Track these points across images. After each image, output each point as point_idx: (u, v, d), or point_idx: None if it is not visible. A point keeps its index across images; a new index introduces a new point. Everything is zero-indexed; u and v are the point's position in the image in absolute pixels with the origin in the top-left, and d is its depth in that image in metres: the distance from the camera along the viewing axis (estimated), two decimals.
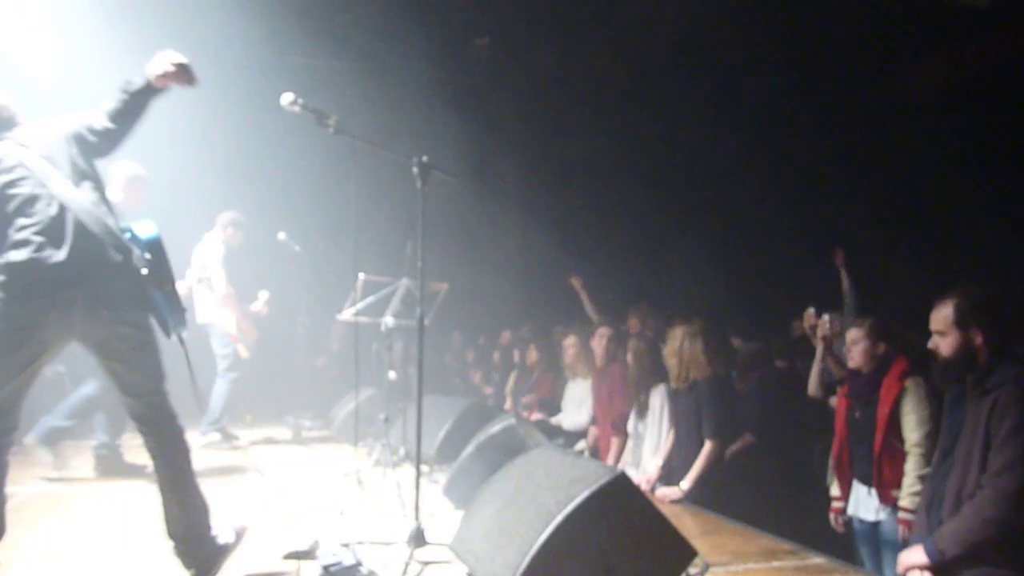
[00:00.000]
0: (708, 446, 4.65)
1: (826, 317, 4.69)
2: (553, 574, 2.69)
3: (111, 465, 5.36)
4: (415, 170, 3.58)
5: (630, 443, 5.33)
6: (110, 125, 3.08)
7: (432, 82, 8.40)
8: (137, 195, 5.35)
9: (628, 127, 8.19)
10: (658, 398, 5.07)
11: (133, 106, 3.11)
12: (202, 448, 6.48)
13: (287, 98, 3.53)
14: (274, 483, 5.23)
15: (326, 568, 3.14)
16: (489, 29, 8.20)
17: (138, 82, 3.10)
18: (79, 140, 3.04)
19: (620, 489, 2.87)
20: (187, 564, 3.01)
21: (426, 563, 3.36)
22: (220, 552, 3.06)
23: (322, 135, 3.64)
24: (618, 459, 5.45)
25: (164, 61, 3.08)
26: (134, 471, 5.30)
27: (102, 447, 5.37)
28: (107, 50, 6.40)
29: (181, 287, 6.43)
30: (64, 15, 6.28)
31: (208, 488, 4.92)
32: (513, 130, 8.85)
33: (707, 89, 7.46)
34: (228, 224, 6.75)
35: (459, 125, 8.24)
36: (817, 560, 3.53)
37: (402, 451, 5.62)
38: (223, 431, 6.70)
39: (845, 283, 5.82)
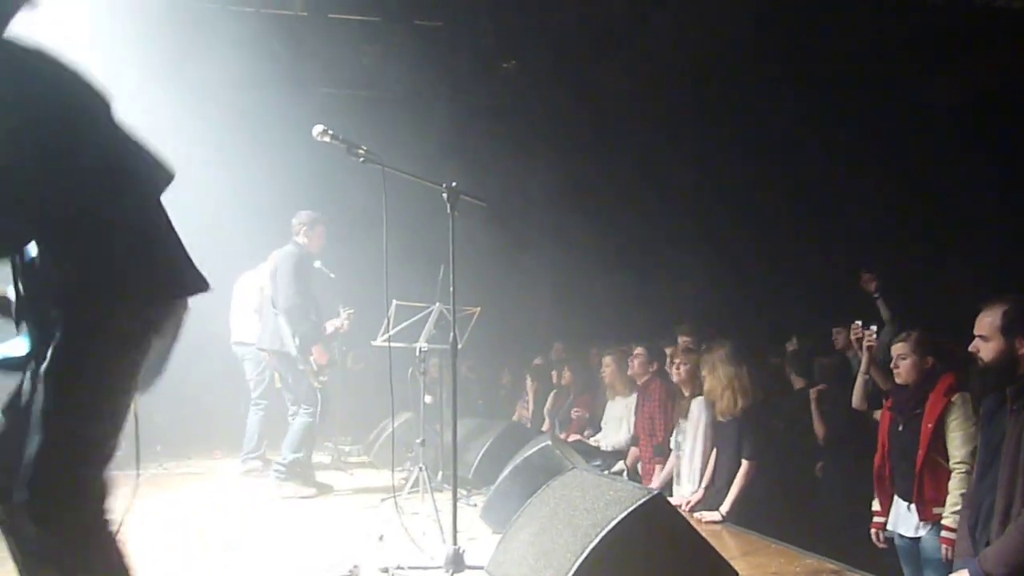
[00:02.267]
0: (745, 466, 4.61)
1: (872, 328, 4.65)
2: None
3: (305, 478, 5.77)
4: (444, 196, 3.63)
5: (674, 457, 5.29)
6: None
7: (460, 107, 8.49)
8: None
9: (655, 146, 8.17)
10: (696, 409, 5.04)
11: None
12: (243, 475, 6.57)
13: (317, 129, 3.60)
14: (313, 508, 5.27)
15: None
16: (516, 52, 8.27)
17: None
18: None
19: (657, 510, 2.85)
20: None
21: None
22: None
23: (353, 164, 3.70)
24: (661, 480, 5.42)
25: None
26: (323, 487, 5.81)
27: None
28: (140, 82, 6.61)
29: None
30: (99, 46, 6.46)
31: (250, 514, 5.00)
32: (541, 152, 8.89)
33: (733, 104, 7.44)
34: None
35: (488, 149, 8.30)
36: None
37: (440, 475, 5.64)
38: (263, 458, 6.78)
39: (884, 312, 5.71)
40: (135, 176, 2.08)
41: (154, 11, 6.69)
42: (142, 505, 5.04)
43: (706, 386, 4.89)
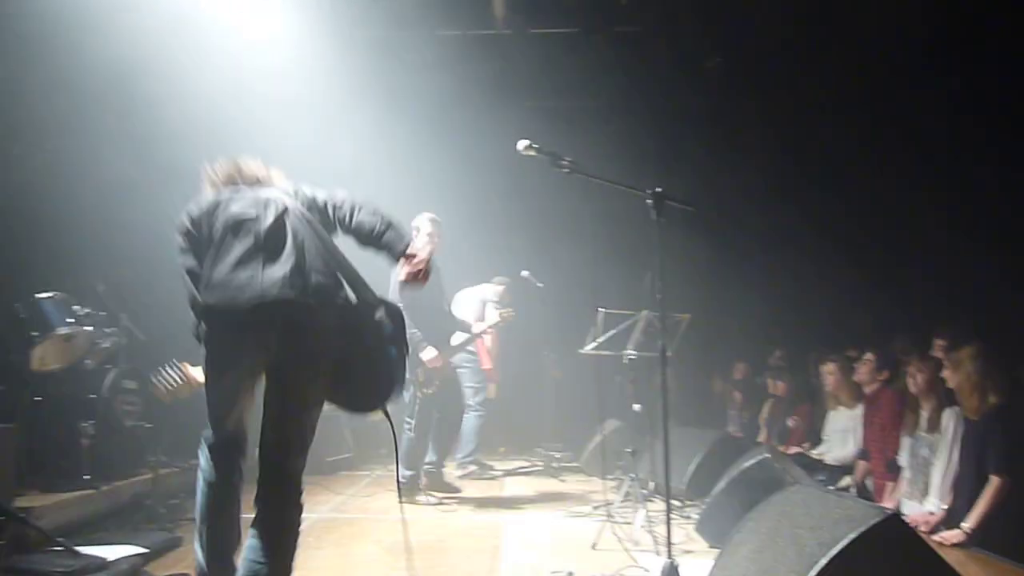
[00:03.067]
0: (995, 483, 4.14)
1: None
2: None
3: (436, 483, 5.93)
4: (649, 201, 3.57)
5: (907, 473, 4.88)
6: (348, 224, 3.11)
7: (665, 110, 8.36)
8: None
9: (873, 140, 7.57)
10: (947, 419, 4.63)
11: (376, 245, 3.10)
12: (460, 478, 6.85)
13: (522, 144, 3.68)
14: (527, 514, 5.38)
15: None
16: (719, 51, 8.01)
17: (398, 248, 3.08)
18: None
19: (893, 532, 2.62)
20: None
21: None
22: None
23: (557, 175, 3.74)
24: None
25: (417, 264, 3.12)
26: (452, 489, 5.98)
27: (430, 464, 5.94)
28: (347, 110, 7.11)
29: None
30: (310, 74, 7.03)
31: (464, 518, 5.19)
32: (750, 152, 8.52)
33: (956, 87, 6.73)
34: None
35: (694, 151, 8.11)
36: None
37: (652, 485, 5.56)
38: (478, 462, 7.04)
39: None
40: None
41: (360, 40, 7.19)
42: (369, 504, 5.42)
43: (951, 385, 4.48)
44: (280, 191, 3.13)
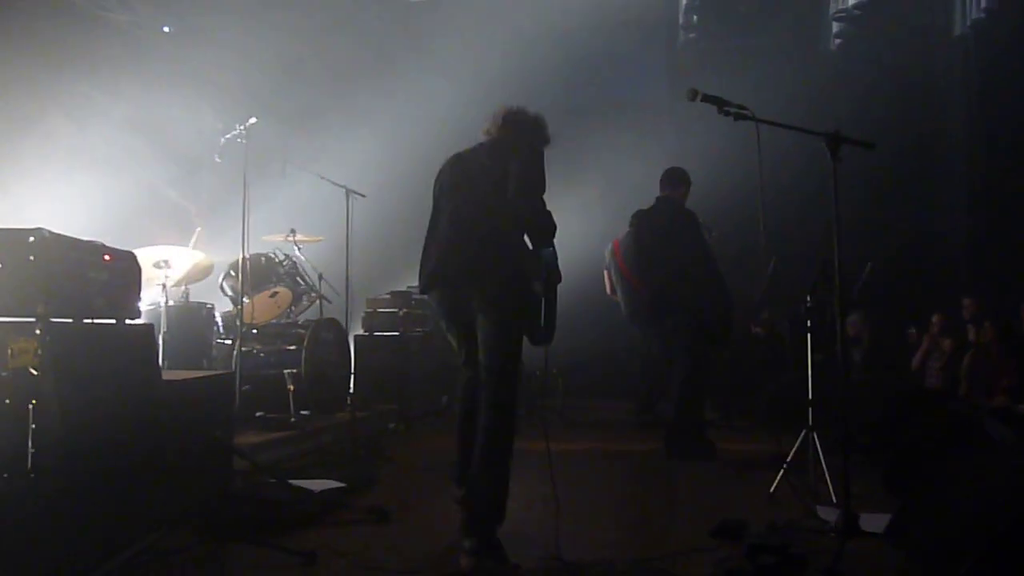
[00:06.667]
0: None
1: None
2: None
3: None
4: (824, 144, 3.43)
5: None
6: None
7: (836, 49, 7.84)
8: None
9: None
10: None
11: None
12: (639, 427, 6.93)
13: (689, 92, 3.63)
14: (700, 463, 5.36)
15: (753, 547, 3.16)
16: None
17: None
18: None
19: None
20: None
21: (859, 554, 3.19)
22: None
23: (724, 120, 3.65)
24: None
25: None
26: None
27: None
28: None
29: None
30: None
31: (634, 465, 5.23)
32: (944, 81, 7.80)
33: None
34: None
35: (870, 90, 7.54)
36: None
37: (830, 435, 5.36)
38: (655, 411, 7.09)
39: None
40: None
41: None
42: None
43: None
44: (485, 150, 3.41)
